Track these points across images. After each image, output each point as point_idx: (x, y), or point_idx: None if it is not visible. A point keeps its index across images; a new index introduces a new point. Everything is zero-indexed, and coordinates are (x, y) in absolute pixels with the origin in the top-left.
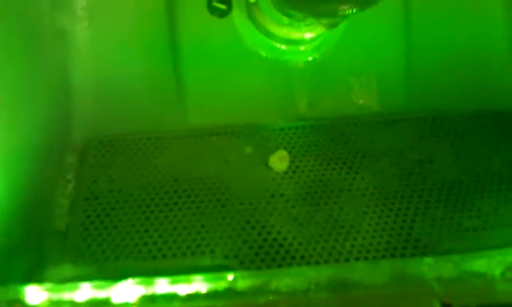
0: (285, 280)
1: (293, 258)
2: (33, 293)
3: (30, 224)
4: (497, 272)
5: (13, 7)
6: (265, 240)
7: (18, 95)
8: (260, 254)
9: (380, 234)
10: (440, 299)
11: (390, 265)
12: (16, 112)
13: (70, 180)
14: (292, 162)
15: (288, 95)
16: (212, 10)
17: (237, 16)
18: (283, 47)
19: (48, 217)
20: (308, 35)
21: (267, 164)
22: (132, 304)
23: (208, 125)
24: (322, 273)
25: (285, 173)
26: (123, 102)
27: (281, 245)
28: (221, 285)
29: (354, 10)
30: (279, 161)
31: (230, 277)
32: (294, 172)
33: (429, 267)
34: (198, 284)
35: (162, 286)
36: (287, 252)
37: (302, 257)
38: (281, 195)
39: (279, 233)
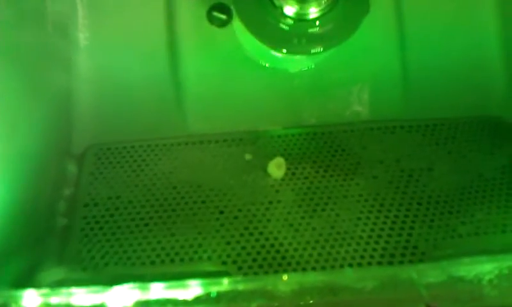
0: (278, 285)
1: (289, 264)
2: (28, 297)
3: (29, 230)
4: (485, 278)
5: (14, 10)
6: (263, 246)
7: (19, 103)
8: (258, 260)
9: (375, 240)
10: (426, 303)
11: (378, 271)
12: (17, 120)
13: (69, 186)
14: (288, 168)
15: (286, 103)
16: (212, 20)
17: (237, 24)
18: (279, 55)
19: (47, 224)
20: None
21: (265, 171)
22: None
23: (207, 132)
24: (313, 279)
25: (283, 179)
26: (122, 109)
27: (277, 252)
28: (215, 290)
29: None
30: (276, 168)
31: (225, 282)
32: (291, 179)
33: (417, 273)
34: (193, 290)
35: (157, 291)
36: (283, 258)
37: (298, 263)
38: (279, 201)
39: (276, 239)
